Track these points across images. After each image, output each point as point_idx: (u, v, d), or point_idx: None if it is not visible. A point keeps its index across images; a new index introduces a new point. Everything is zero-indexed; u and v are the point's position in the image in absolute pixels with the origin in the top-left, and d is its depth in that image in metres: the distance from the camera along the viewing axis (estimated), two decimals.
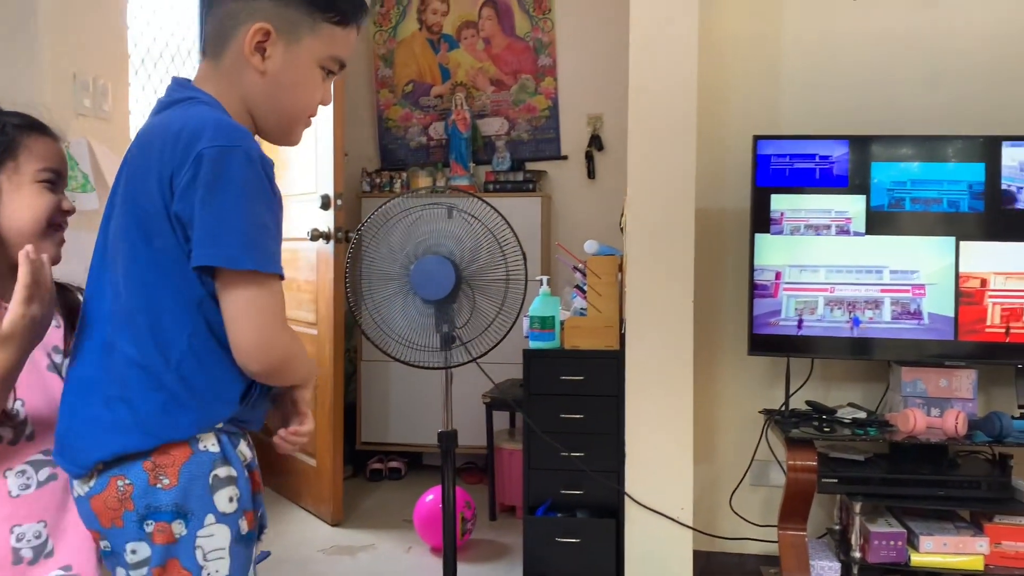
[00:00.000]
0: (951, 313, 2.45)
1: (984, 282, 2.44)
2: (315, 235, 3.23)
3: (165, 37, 3.22)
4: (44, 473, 1.23)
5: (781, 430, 2.43)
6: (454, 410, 2.54)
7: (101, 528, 1.13)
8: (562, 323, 2.83)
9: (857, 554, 2.41)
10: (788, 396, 2.58)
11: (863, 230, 2.49)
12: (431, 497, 2.94)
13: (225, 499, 1.13)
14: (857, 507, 2.40)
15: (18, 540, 1.21)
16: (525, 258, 2.35)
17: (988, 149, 2.45)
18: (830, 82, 2.71)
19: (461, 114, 3.94)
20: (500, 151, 3.99)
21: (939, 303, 2.46)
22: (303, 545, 3.07)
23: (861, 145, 2.50)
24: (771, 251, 2.53)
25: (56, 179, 1.29)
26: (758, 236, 2.53)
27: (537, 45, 4.00)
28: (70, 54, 2.32)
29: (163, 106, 1.18)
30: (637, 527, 2.55)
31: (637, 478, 2.55)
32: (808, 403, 2.60)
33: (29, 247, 1.15)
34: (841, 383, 2.73)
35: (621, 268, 2.73)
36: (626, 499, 2.56)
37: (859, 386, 2.71)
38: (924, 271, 2.47)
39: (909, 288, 2.47)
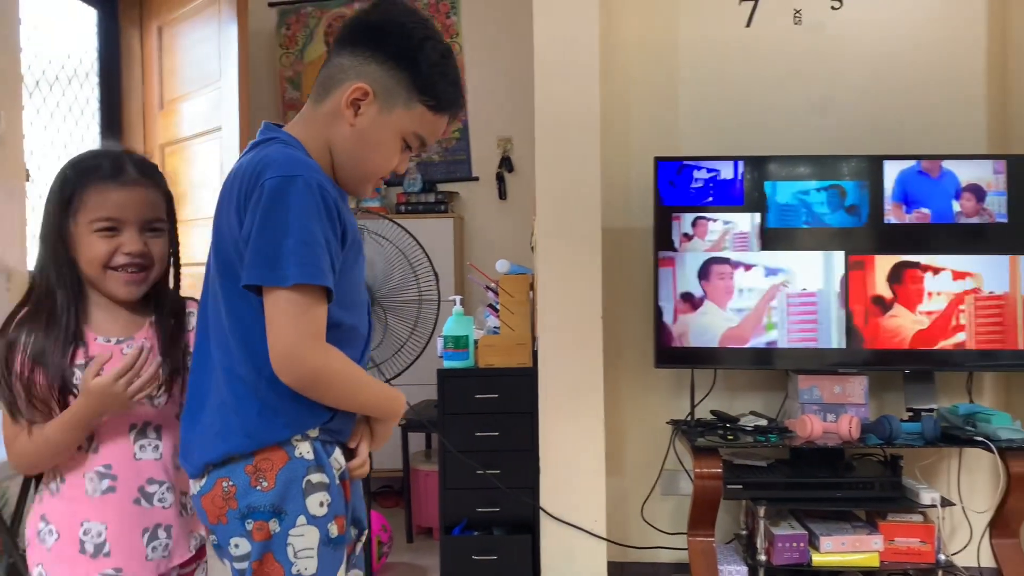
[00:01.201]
0: (843, 323, 2.59)
1: (872, 294, 2.59)
2: None
3: (61, 60, 3.13)
4: (104, 484, 1.36)
5: (688, 440, 2.51)
6: None
7: (209, 524, 1.24)
8: (476, 342, 2.85)
9: (763, 557, 2.50)
10: (693, 407, 2.67)
11: (759, 246, 2.61)
12: None
13: (316, 503, 1.22)
14: (761, 511, 2.49)
15: (85, 534, 1.35)
16: (437, 278, 2.38)
17: (872, 168, 2.61)
18: (726, 105, 2.84)
19: None
20: (411, 173, 4.00)
21: (831, 314, 2.59)
22: None
23: (755, 165, 2.62)
24: (675, 267, 2.62)
25: (113, 226, 1.37)
26: (662, 253, 2.62)
27: None
28: None
29: (250, 148, 1.29)
30: (552, 541, 2.59)
31: (552, 493, 2.59)
32: (713, 412, 2.70)
33: (144, 343, 1.36)
34: (743, 392, 2.84)
35: (532, 287, 2.78)
36: (541, 514, 2.60)
37: (760, 395, 2.83)
38: (816, 284, 2.60)
39: (803, 301, 2.60)
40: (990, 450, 2.42)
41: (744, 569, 2.55)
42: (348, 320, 1.27)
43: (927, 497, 2.49)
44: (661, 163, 2.63)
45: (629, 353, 2.85)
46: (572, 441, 2.58)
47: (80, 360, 1.34)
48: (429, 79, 1.27)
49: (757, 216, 2.61)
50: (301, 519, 1.21)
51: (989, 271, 2.57)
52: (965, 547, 2.72)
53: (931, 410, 2.56)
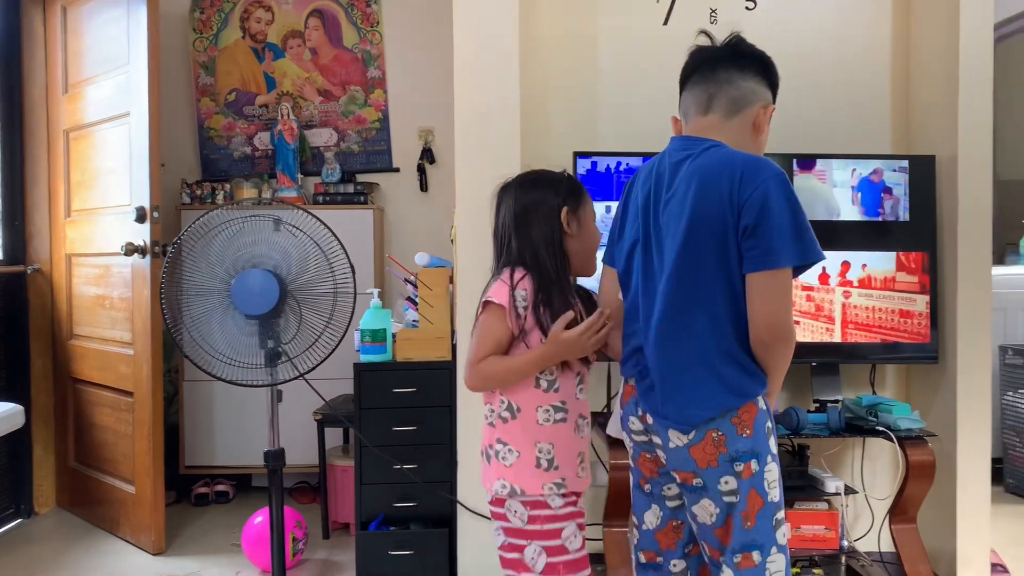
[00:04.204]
0: None
1: None
2: (130, 249, 3.06)
3: None
4: (558, 415, 1.76)
5: (603, 431, 2.54)
6: (285, 429, 2.49)
7: (697, 469, 1.54)
8: (394, 335, 2.82)
9: None
10: (609, 398, 2.70)
11: None
12: (260, 519, 2.85)
13: (774, 444, 1.57)
14: None
15: (540, 452, 1.74)
16: (353, 271, 2.34)
17: (783, 166, 2.67)
18: (645, 101, 2.86)
19: (287, 124, 3.85)
20: (330, 163, 3.93)
21: None
22: None
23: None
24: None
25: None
26: None
27: (366, 57, 3.99)
28: None
29: (695, 154, 1.58)
30: (470, 535, 2.58)
31: (469, 487, 2.59)
32: (606, 407, 2.73)
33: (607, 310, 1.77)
34: None
35: (452, 280, 2.77)
36: (459, 508, 2.59)
37: None
38: None
39: None
40: (891, 439, 2.52)
41: None
42: None
43: (832, 485, 2.58)
44: (580, 157, 2.65)
45: None
46: None
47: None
48: (776, 95, 1.70)
49: None
50: (769, 458, 1.55)
51: (892, 268, 2.67)
52: (867, 533, 2.83)
53: (836, 401, 2.65)
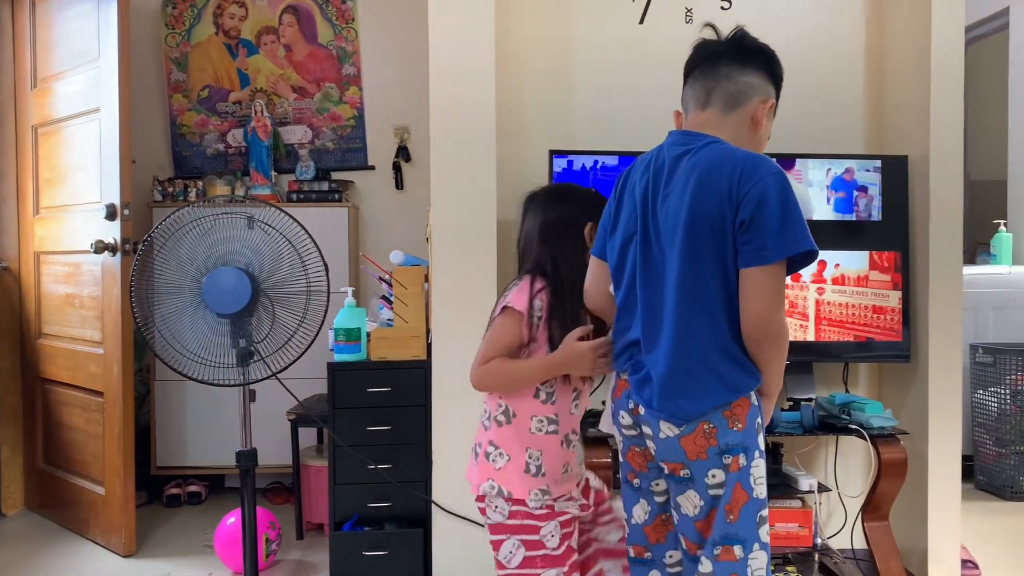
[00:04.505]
0: None
1: None
2: (100, 247, 3.01)
3: None
4: (550, 427, 1.82)
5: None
6: (258, 429, 2.46)
7: (686, 460, 1.54)
8: (368, 335, 2.80)
9: None
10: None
11: None
12: (232, 520, 2.82)
13: (762, 440, 1.57)
14: None
15: (529, 458, 1.80)
16: (327, 269, 2.32)
17: None
18: (620, 100, 2.87)
19: (261, 121, 3.82)
20: (304, 160, 3.90)
21: None
22: None
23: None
24: None
25: None
26: None
27: (341, 54, 3.96)
28: None
29: (695, 149, 1.58)
30: (444, 534, 2.57)
31: (444, 486, 2.58)
32: (604, 403, 2.72)
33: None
34: None
35: (428, 278, 2.75)
36: (433, 508, 2.58)
37: None
38: None
39: None
40: (863, 437, 2.54)
41: None
42: None
43: (805, 483, 2.60)
44: (556, 156, 2.64)
45: None
46: (466, 434, 2.55)
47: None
48: (780, 90, 1.71)
49: None
50: (756, 454, 1.55)
51: (864, 267, 2.69)
52: (840, 530, 2.85)
53: (810, 400, 2.66)
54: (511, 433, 1.81)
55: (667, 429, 1.55)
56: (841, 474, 2.87)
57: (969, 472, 3.79)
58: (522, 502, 1.77)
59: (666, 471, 1.59)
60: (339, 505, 2.74)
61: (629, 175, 1.72)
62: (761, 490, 1.55)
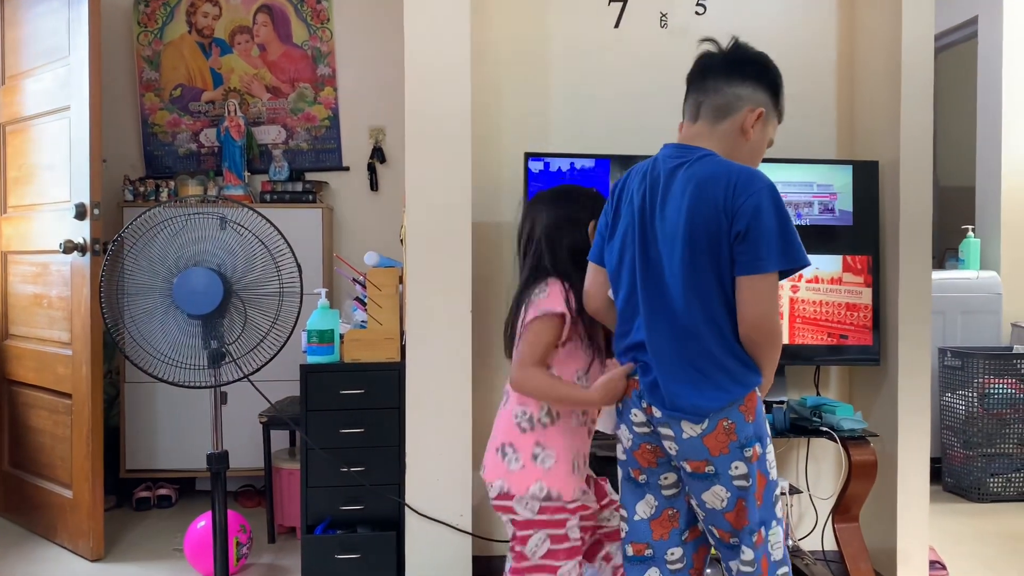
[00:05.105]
0: None
1: None
2: (69, 247, 2.97)
3: None
4: (584, 417, 1.91)
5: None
6: (230, 431, 2.45)
7: (710, 457, 1.62)
8: (342, 336, 2.79)
9: None
10: None
11: None
12: (203, 523, 2.79)
13: (768, 427, 1.69)
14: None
15: (574, 456, 1.88)
16: (300, 270, 2.31)
17: None
18: (597, 104, 2.87)
19: (234, 121, 3.78)
20: (278, 160, 3.87)
21: None
22: None
23: (623, 163, 2.67)
24: None
25: None
26: None
27: (315, 54, 3.94)
28: None
29: (690, 162, 1.66)
30: (417, 537, 2.56)
31: (417, 489, 2.57)
32: None
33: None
34: None
35: (402, 280, 2.74)
36: (407, 510, 2.57)
37: None
38: None
39: None
40: (834, 440, 2.56)
41: None
42: None
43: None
44: (531, 159, 2.65)
45: (499, 348, 2.83)
46: (439, 436, 2.56)
47: None
48: (780, 99, 1.77)
49: None
50: (767, 440, 1.66)
51: (836, 270, 2.72)
52: (811, 532, 2.88)
53: (781, 402, 2.68)
54: (558, 432, 1.86)
55: (689, 429, 1.63)
56: (812, 476, 2.90)
57: (937, 474, 3.84)
58: (560, 500, 1.83)
59: (688, 469, 1.66)
60: (311, 508, 2.72)
61: (625, 184, 1.80)
62: (774, 472, 1.69)
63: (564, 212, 1.93)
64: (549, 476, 1.83)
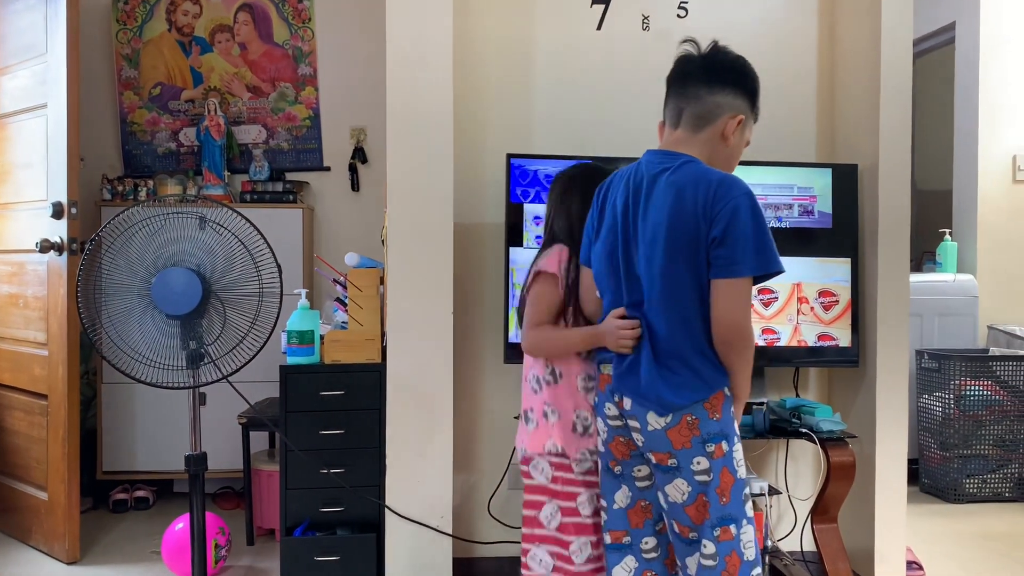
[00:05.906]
0: None
1: None
2: (45, 246, 2.94)
3: None
4: (590, 384, 1.94)
5: None
6: (208, 432, 2.43)
7: (672, 449, 1.68)
8: (322, 337, 2.77)
9: None
10: None
11: None
12: (181, 525, 2.76)
13: (737, 426, 1.72)
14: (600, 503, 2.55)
15: (577, 417, 1.94)
16: (280, 270, 2.29)
17: None
18: (579, 106, 2.88)
19: (214, 120, 3.76)
20: (258, 160, 3.85)
21: None
22: None
23: (603, 164, 2.67)
24: (525, 263, 2.63)
25: None
26: (512, 249, 2.63)
27: (297, 54, 3.92)
28: None
29: (673, 168, 1.71)
30: (398, 539, 2.55)
31: (398, 490, 2.56)
32: None
33: None
34: None
35: (383, 281, 2.73)
36: (387, 512, 2.56)
37: None
38: None
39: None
40: (813, 441, 2.58)
41: None
42: None
43: (756, 486, 2.62)
44: (513, 160, 2.64)
45: (480, 349, 2.85)
46: (419, 438, 2.56)
47: None
48: (757, 102, 1.81)
49: None
50: (735, 439, 1.70)
51: (815, 273, 2.74)
52: (790, 533, 2.89)
53: (761, 403, 2.70)
54: (563, 391, 1.95)
55: (654, 421, 1.69)
56: (791, 477, 2.92)
57: (914, 475, 3.88)
58: (567, 466, 1.92)
59: (653, 461, 1.72)
60: (290, 510, 2.70)
61: (609, 188, 1.86)
62: (743, 471, 1.72)
63: (574, 181, 2.06)
64: (554, 431, 1.93)
